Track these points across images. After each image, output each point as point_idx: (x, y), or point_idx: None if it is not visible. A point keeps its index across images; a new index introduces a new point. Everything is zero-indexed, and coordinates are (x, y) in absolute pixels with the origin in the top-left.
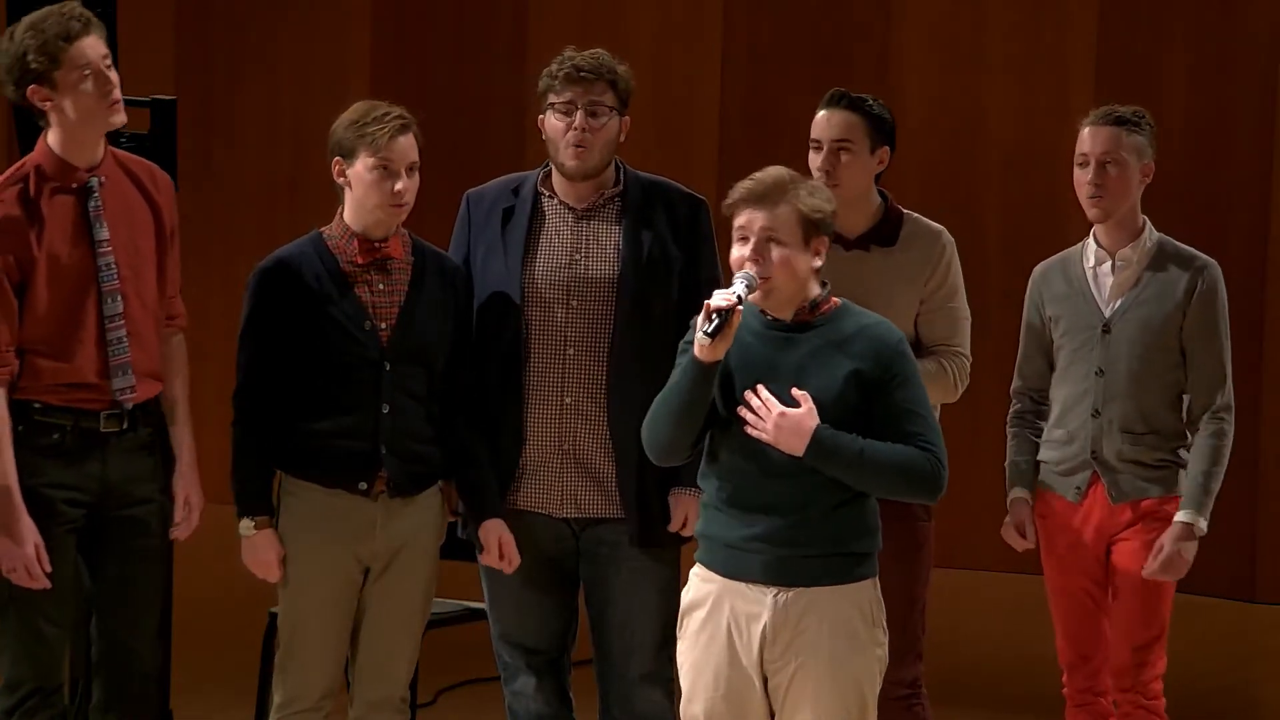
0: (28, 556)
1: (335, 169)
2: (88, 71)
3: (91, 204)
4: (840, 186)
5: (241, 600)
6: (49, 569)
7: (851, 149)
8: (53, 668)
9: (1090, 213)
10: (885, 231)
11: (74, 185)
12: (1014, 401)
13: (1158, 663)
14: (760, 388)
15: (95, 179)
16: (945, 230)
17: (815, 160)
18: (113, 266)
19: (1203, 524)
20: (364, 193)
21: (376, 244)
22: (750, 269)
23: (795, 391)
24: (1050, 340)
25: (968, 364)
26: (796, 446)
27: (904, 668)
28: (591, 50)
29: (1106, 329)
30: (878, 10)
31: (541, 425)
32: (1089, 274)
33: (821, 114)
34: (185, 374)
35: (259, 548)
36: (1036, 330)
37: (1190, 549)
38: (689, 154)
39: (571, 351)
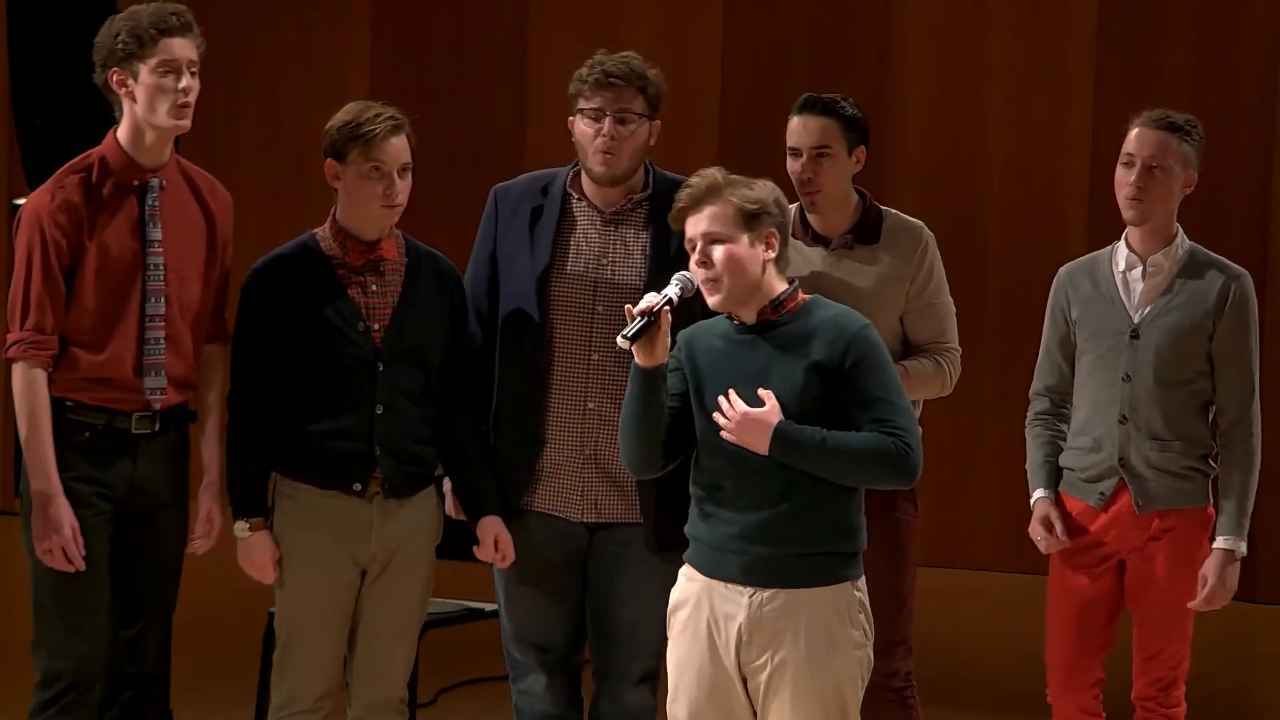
0: (66, 539)
1: (328, 170)
2: (168, 69)
3: (149, 202)
4: (822, 192)
5: (241, 600)
6: (84, 552)
7: (831, 153)
8: (91, 660)
9: (1127, 214)
10: (866, 229)
11: (135, 183)
12: (1033, 402)
13: (1180, 673)
14: (730, 391)
15: (156, 180)
16: (924, 225)
17: (794, 167)
18: (160, 267)
19: (1243, 547)
20: (357, 194)
21: (370, 245)
22: (698, 273)
23: (760, 391)
24: (1073, 343)
25: (959, 356)
26: (760, 444)
27: (894, 661)
28: (622, 54)
29: (1135, 334)
30: (878, 12)
31: (564, 429)
32: (1118, 278)
33: (795, 120)
34: (220, 388)
35: (254, 549)
36: (1060, 332)
37: (1233, 575)
38: (689, 154)
39: (596, 356)
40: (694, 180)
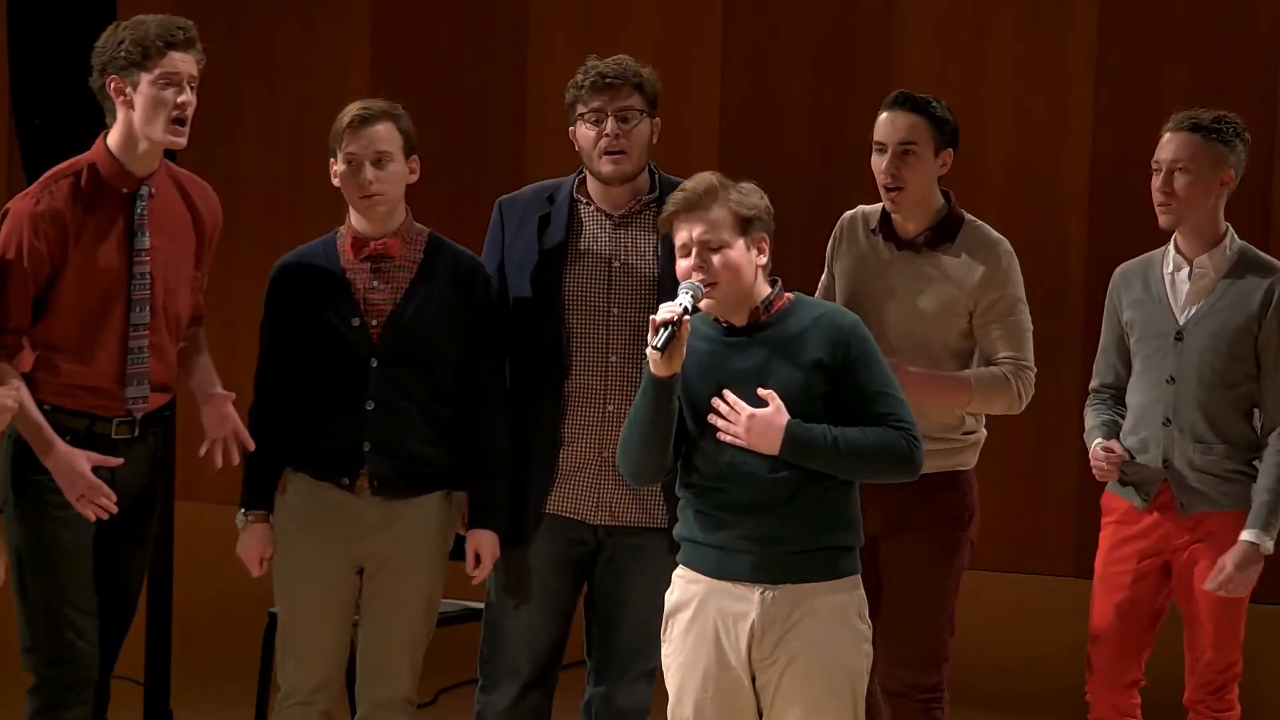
0: (93, 487)
1: (331, 171)
2: (169, 82)
3: (138, 212)
4: (904, 190)
5: (241, 600)
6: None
7: (916, 151)
8: (88, 659)
9: (1160, 220)
10: (941, 234)
11: (124, 190)
12: (1091, 396)
13: (1232, 675)
14: (726, 393)
15: (146, 188)
16: (1005, 241)
17: (878, 163)
18: (147, 276)
19: (1269, 543)
20: (344, 189)
21: (369, 242)
22: (695, 278)
23: (761, 391)
24: (1127, 343)
25: (1033, 376)
26: (771, 445)
27: (927, 673)
28: (615, 56)
29: (1179, 336)
30: (878, 11)
31: (582, 431)
32: (1166, 280)
33: (884, 116)
34: (206, 356)
35: (247, 541)
36: (1114, 333)
37: (1254, 569)
38: (689, 154)
39: (614, 359)
40: (689, 184)
